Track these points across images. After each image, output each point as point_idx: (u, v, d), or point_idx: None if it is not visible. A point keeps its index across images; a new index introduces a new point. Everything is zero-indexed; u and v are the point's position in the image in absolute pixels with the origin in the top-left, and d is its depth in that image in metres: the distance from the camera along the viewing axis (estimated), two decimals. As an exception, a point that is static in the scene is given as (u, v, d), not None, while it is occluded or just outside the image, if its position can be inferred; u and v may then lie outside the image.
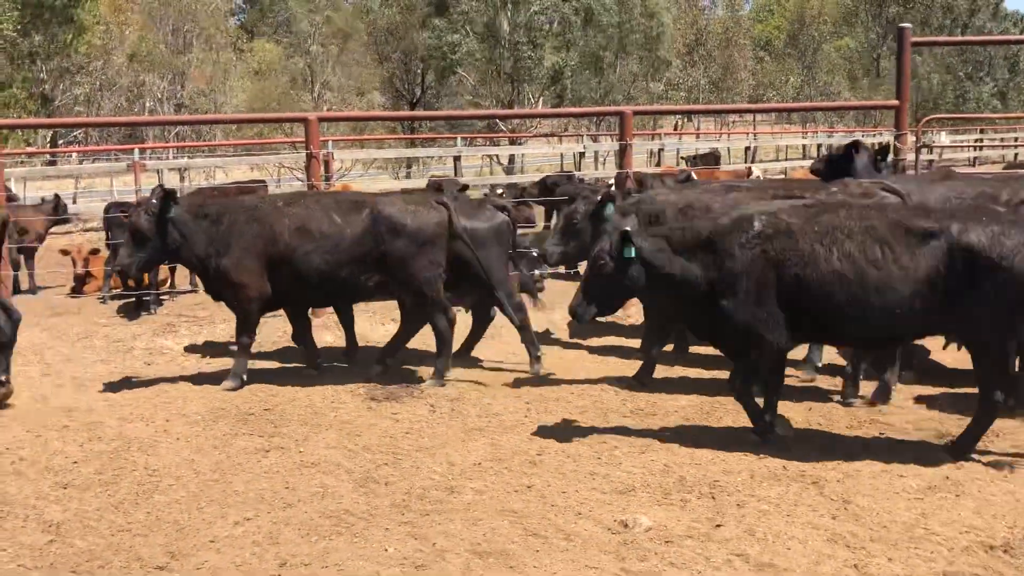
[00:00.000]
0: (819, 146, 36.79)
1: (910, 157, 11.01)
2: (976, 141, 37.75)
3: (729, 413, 7.08)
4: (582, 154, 30.76)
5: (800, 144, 38.29)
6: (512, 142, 33.07)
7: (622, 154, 10.39)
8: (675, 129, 49.96)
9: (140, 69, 33.51)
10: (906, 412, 7.16)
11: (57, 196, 13.53)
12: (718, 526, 5.09)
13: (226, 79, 35.15)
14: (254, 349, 8.31)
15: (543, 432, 6.79)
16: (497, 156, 33.36)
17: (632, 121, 10.37)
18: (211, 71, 34.94)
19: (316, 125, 9.87)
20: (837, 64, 56.96)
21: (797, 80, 56.26)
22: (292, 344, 8.65)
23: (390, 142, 31.00)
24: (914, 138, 11.18)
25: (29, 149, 28.17)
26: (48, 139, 31.57)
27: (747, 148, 38.80)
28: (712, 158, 29.12)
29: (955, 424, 6.77)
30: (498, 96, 37.69)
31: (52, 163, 30.75)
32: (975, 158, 35.14)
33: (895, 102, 10.81)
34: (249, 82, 37.08)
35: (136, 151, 21.39)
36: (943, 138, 34.97)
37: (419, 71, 39.12)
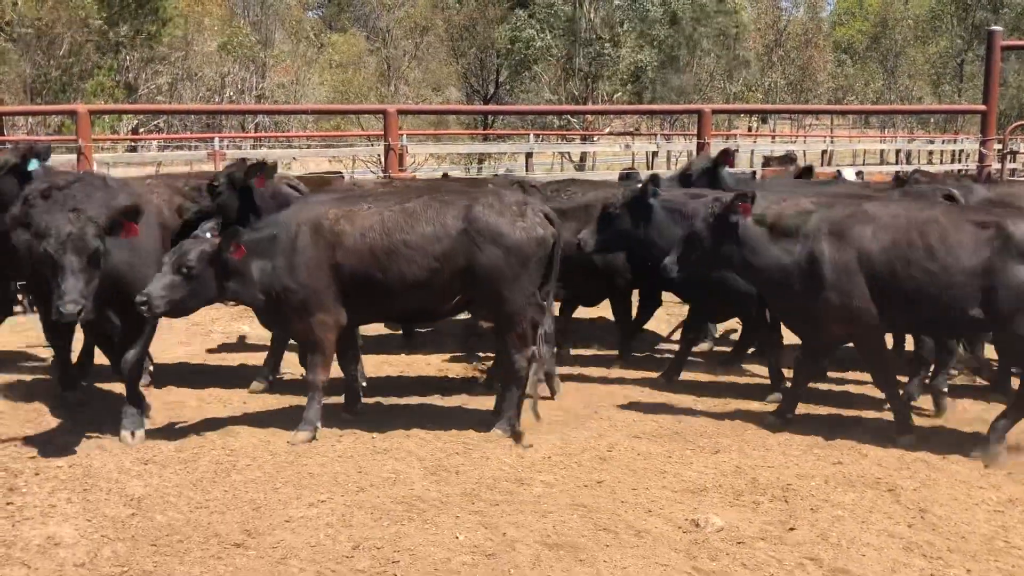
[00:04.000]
0: (898, 151, 36.17)
1: (995, 165, 10.72)
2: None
3: (799, 420, 7.00)
4: (655, 153, 30.61)
5: (878, 149, 37.53)
6: (585, 140, 33.01)
7: (699, 152, 10.31)
8: (749, 131, 49.42)
9: (223, 60, 34.20)
10: (984, 424, 6.98)
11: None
12: (791, 529, 5.04)
13: (308, 72, 35.65)
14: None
15: (613, 427, 6.79)
16: (569, 153, 33.33)
17: (711, 120, 10.27)
18: (293, 64, 35.48)
19: (395, 117, 9.98)
20: (921, 69, 55.73)
21: (878, 84, 55.20)
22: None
23: (463, 137, 31.12)
24: (1000, 145, 10.86)
25: (113, 136, 28.88)
26: (132, 127, 32.36)
27: (824, 152, 38.28)
28: (788, 160, 28.73)
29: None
30: (573, 93, 37.63)
31: (133, 150, 31.51)
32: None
33: (982, 107, 10.56)
34: (329, 76, 37.58)
35: (216, 140, 21.82)
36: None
37: (494, 67, 39.24)
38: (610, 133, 34.57)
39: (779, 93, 50.35)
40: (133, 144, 32.35)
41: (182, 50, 34.53)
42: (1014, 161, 17.12)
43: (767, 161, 30.21)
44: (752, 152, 32.01)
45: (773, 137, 45.28)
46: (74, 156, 11.07)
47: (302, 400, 6.67)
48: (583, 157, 33.59)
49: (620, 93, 37.91)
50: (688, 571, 4.55)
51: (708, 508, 5.31)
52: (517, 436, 6.48)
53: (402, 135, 23.73)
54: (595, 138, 33.32)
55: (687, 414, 7.10)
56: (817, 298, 6.44)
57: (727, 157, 8.92)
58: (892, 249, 6.27)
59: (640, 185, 7.22)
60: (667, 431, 6.75)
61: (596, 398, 7.52)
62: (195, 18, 34.87)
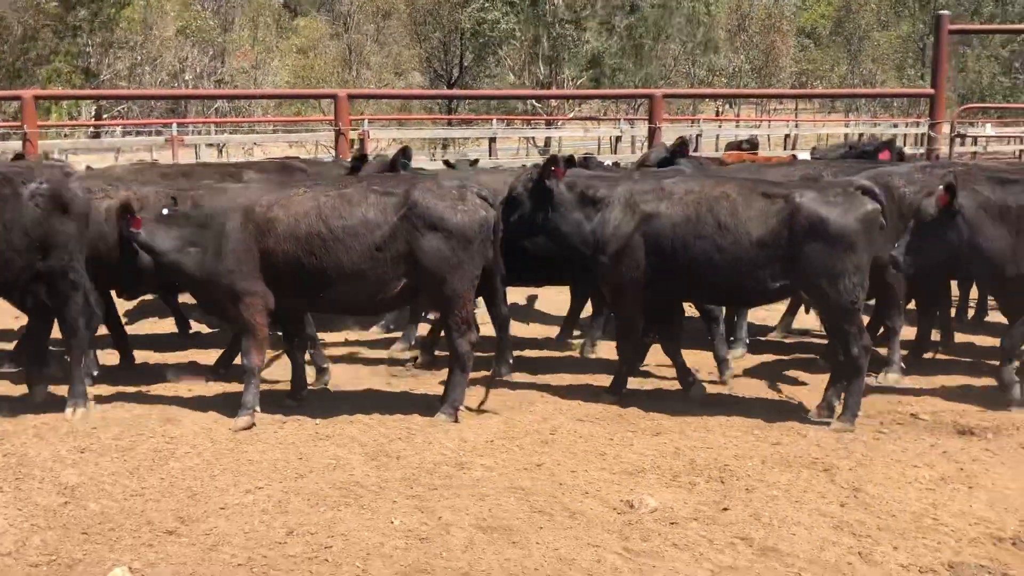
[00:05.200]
0: (860, 135, 36.46)
1: (944, 148, 10.82)
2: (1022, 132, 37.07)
3: (740, 403, 7.08)
4: (618, 138, 30.64)
5: (842, 132, 37.84)
6: (549, 125, 33.00)
7: (651, 137, 10.34)
8: (716, 115, 49.58)
9: (183, 44, 33.83)
10: (924, 402, 7.08)
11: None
12: (724, 509, 5.09)
13: (268, 57, 35.39)
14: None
15: (558, 411, 6.81)
16: (533, 138, 33.33)
17: (662, 104, 10.29)
18: (254, 49, 35.17)
19: (346, 102, 9.91)
20: (884, 53, 56.11)
21: (842, 68, 55.50)
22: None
23: (427, 122, 31.01)
24: (948, 128, 10.97)
25: (71, 122, 28.52)
26: (92, 113, 31.97)
27: (787, 136, 38.53)
28: (750, 145, 28.87)
29: (976, 418, 6.72)
30: (537, 77, 37.60)
31: (96, 136, 31.12)
32: (1021, 150, 34.43)
33: (930, 90, 10.65)
34: (291, 61, 37.31)
35: (174, 126, 21.61)
36: (988, 129, 34.39)
37: (458, 51, 39.10)
38: (574, 118, 34.61)
39: (743, 77, 50.55)
40: (96, 131, 31.99)
41: (141, 35, 34.08)
42: (963, 144, 17.33)
43: (734, 145, 30.50)
44: (717, 136, 32.37)
45: (738, 122, 45.50)
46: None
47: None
48: (547, 142, 33.61)
49: (583, 78, 37.89)
50: (619, 551, 4.58)
51: (644, 489, 5.34)
52: (460, 420, 6.49)
53: (363, 120, 23.74)
54: (559, 123, 33.36)
55: (631, 397, 7.13)
56: (598, 263, 6.83)
57: (684, 147, 8.96)
58: (683, 223, 6.55)
59: (539, 168, 7.20)
60: (611, 414, 6.78)
61: (543, 381, 7.55)
62: (155, 2, 34.48)
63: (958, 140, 12.72)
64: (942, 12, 10.60)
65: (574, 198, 6.97)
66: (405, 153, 8.82)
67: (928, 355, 8.35)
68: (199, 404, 6.80)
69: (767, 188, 6.62)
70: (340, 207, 6.30)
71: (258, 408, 6.47)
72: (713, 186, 6.72)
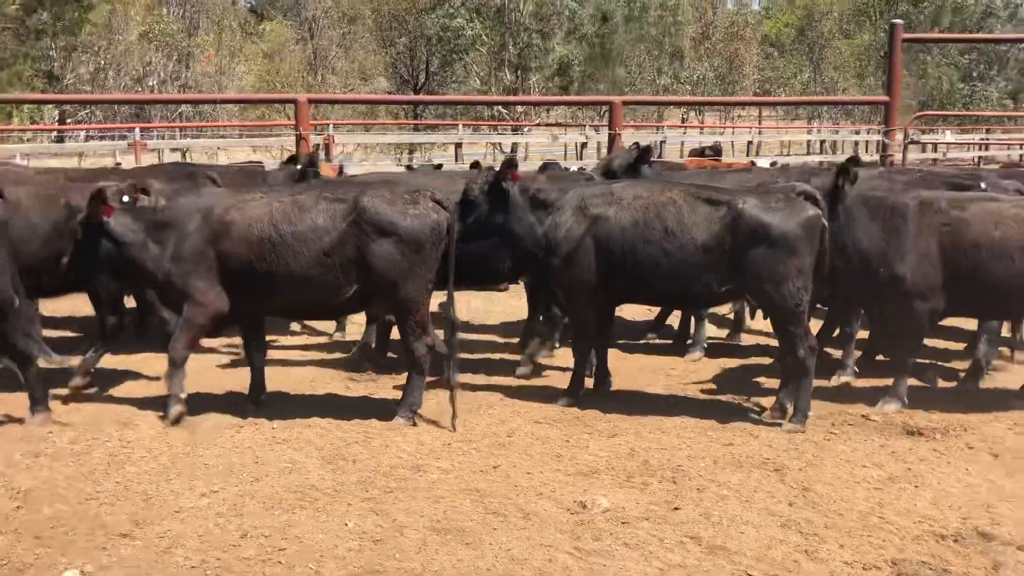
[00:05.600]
0: (822, 142, 36.88)
1: (898, 156, 11.02)
2: (982, 139, 37.69)
3: (697, 405, 7.18)
4: (584, 144, 30.80)
5: (805, 140, 38.23)
6: (516, 131, 33.07)
7: (611, 143, 10.44)
8: (682, 122, 49.89)
9: (148, 49, 33.58)
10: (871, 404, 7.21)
11: None
12: (675, 509, 5.17)
13: (233, 61, 35.21)
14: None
15: (516, 414, 6.87)
16: (500, 144, 33.42)
17: (622, 111, 10.39)
18: (219, 53, 34.97)
19: (306, 106, 9.93)
20: (846, 61, 56.76)
21: (804, 77, 56.05)
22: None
23: (392, 127, 31.01)
24: (903, 135, 11.18)
25: (34, 126, 28.22)
26: (56, 117, 31.65)
27: (749, 142, 38.92)
28: (713, 151, 29.15)
29: (925, 419, 6.86)
30: (503, 84, 37.69)
31: (60, 140, 30.80)
32: (980, 157, 35.01)
33: (885, 98, 10.84)
34: (255, 65, 37.14)
35: (137, 131, 21.42)
36: (948, 136, 34.97)
37: (424, 57, 39.12)
38: (540, 124, 34.72)
39: (708, 85, 50.94)
40: (60, 135, 31.66)
41: (106, 38, 33.79)
42: (924, 151, 17.58)
43: (698, 152, 30.83)
44: (682, 144, 32.64)
45: (701, 128, 45.82)
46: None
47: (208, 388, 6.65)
48: (514, 148, 33.71)
49: (549, 85, 38.03)
50: (570, 551, 4.64)
51: (598, 490, 5.42)
52: (417, 424, 6.53)
53: (328, 124, 23.72)
54: (526, 129, 33.44)
55: (590, 399, 7.20)
56: (552, 265, 6.92)
57: (647, 154, 9.05)
58: (631, 228, 6.69)
59: (494, 170, 7.27)
60: (569, 416, 6.85)
61: (503, 384, 7.61)
62: (120, 6, 34.17)
63: (914, 147, 12.90)
64: (896, 21, 10.81)
65: (528, 201, 7.06)
66: (311, 161, 8.85)
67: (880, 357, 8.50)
68: (156, 407, 6.78)
69: (711, 194, 6.74)
70: (291, 213, 6.33)
71: (183, 394, 6.50)
72: (660, 192, 6.84)
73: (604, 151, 32.26)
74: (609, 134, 10.40)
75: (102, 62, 33.68)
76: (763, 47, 58.77)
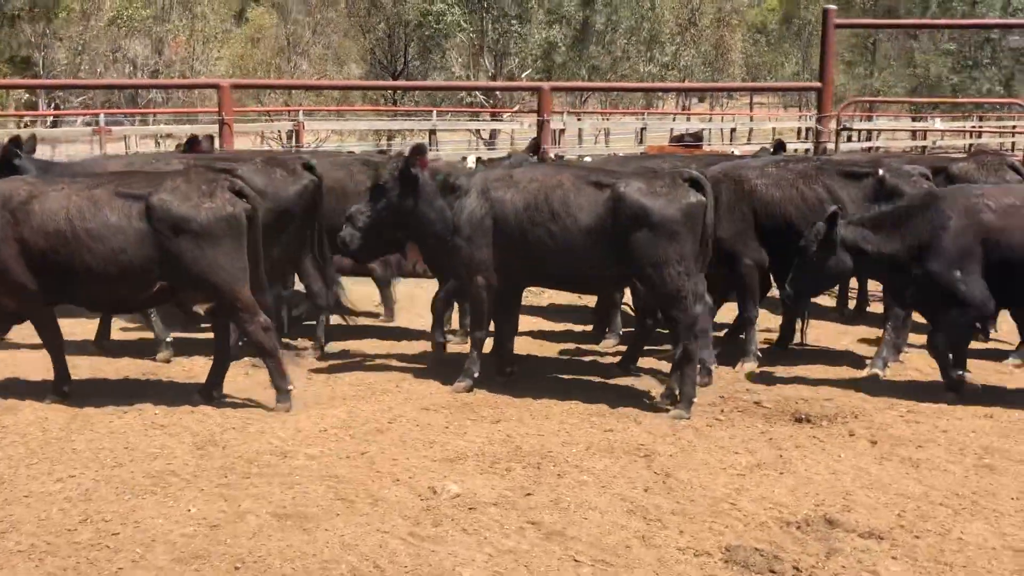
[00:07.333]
0: (807, 129, 36.72)
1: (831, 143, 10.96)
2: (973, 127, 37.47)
3: (594, 389, 7.17)
4: (562, 131, 30.71)
5: (796, 127, 38.04)
6: (493, 117, 32.96)
7: (540, 130, 10.40)
8: (683, 108, 49.91)
9: (119, 35, 33.45)
10: (773, 391, 7.20)
11: None
12: (528, 495, 5.15)
13: (207, 47, 35.11)
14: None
15: (407, 400, 6.85)
16: (479, 131, 33.32)
17: (551, 98, 10.33)
18: (190, 40, 34.84)
19: (229, 92, 9.88)
20: (835, 49, 56.31)
21: (792, 64, 55.89)
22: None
23: (361, 114, 30.89)
24: (835, 123, 11.14)
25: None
26: (23, 102, 31.56)
27: (732, 130, 38.92)
28: (693, 138, 29.12)
29: (820, 406, 6.84)
30: (486, 69, 37.51)
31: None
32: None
33: (817, 84, 10.79)
34: (229, 51, 37.00)
35: (102, 116, 21.39)
36: (938, 123, 34.88)
37: (402, 43, 38.98)
38: (519, 111, 34.60)
39: (695, 71, 50.77)
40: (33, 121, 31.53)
41: (80, 24, 33.66)
42: (863, 139, 17.51)
43: (677, 139, 30.92)
44: (671, 131, 32.56)
45: (688, 116, 45.73)
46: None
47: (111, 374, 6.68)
48: (492, 135, 33.63)
49: (529, 70, 37.88)
50: (404, 536, 4.62)
51: (458, 476, 5.40)
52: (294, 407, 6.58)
53: (298, 110, 23.64)
54: (504, 116, 33.29)
55: (488, 384, 7.17)
56: (457, 248, 6.95)
57: (539, 150, 9.06)
58: (524, 210, 6.75)
59: (401, 156, 7.26)
60: (458, 402, 6.83)
61: (408, 368, 7.61)
62: (92, -7, 34.09)
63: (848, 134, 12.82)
64: (828, 7, 10.73)
65: (437, 186, 7.08)
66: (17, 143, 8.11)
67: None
68: (41, 393, 6.76)
69: (598, 177, 6.72)
70: (86, 209, 6.27)
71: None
72: (552, 175, 6.85)
73: (587, 138, 32.37)
74: (538, 120, 10.34)
75: (78, 47, 33.57)
76: (751, 34, 58.61)
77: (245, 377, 7.44)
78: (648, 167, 7.74)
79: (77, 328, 8.20)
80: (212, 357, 6.89)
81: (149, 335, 8.10)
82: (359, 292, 9.55)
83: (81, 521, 4.77)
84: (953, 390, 6.91)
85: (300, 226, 7.67)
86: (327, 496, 5.09)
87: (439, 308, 8.17)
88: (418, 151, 7.13)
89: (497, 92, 34.97)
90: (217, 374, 6.77)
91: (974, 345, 7.65)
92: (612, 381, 7.46)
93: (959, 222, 6.69)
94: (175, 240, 6.25)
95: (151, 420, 6.32)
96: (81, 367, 7.45)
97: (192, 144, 9.57)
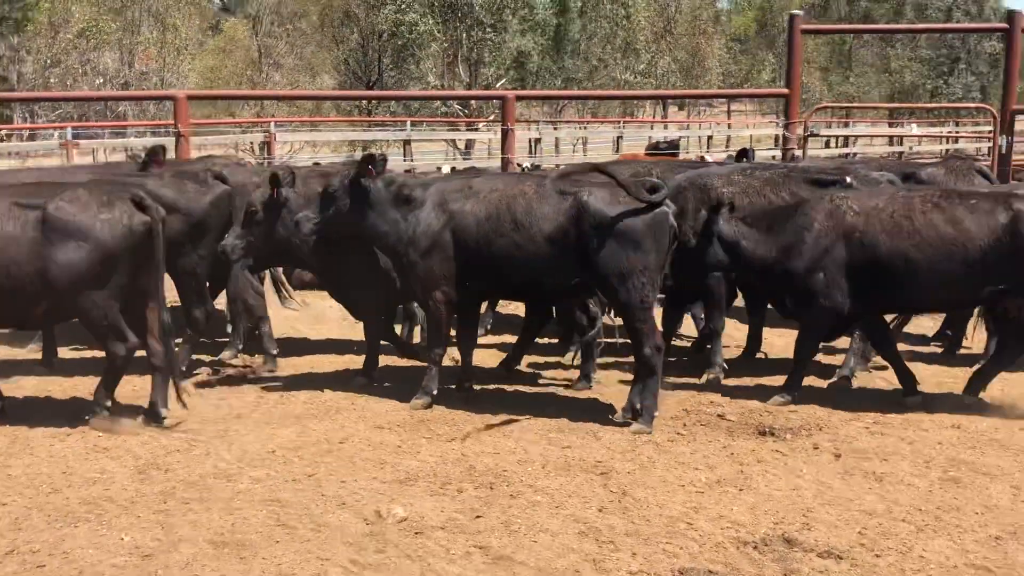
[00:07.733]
0: (709, 137, 36.74)
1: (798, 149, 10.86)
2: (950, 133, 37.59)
3: (555, 404, 7.01)
4: (538, 140, 30.61)
5: (774, 134, 38.05)
6: (469, 127, 32.83)
7: (504, 139, 10.25)
8: (661, 117, 49.94)
9: (88, 47, 33.09)
10: (737, 404, 7.05)
11: None
12: (478, 517, 4.97)
13: (179, 59, 34.79)
14: None
15: (361, 419, 6.67)
16: (455, 141, 33.16)
17: (515, 106, 10.20)
18: (161, 52, 34.53)
19: (185, 103, 9.69)
20: (810, 56, 56.65)
21: (769, 71, 56.04)
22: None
23: (334, 125, 30.70)
24: (802, 129, 11.04)
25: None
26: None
27: (709, 138, 38.91)
28: (669, 146, 29.08)
29: (784, 418, 6.70)
30: (460, 78, 37.41)
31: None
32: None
33: (784, 90, 10.69)
34: (200, 63, 36.69)
35: (69, 130, 21.09)
36: (915, 129, 35.01)
37: (376, 52, 38.81)
38: (494, 120, 34.45)
39: (671, 78, 50.77)
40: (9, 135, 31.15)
41: (48, 37, 33.33)
42: (832, 146, 17.45)
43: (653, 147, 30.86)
44: (649, 138, 32.54)
45: (666, 124, 45.74)
46: None
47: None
48: (468, 145, 33.47)
49: (505, 79, 37.78)
50: (345, 564, 4.43)
51: (407, 498, 5.20)
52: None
53: (271, 122, 23.45)
54: (479, 125, 33.15)
55: (447, 400, 7.00)
56: (412, 260, 6.84)
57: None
58: (485, 221, 6.62)
59: (357, 164, 7.11)
60: (414, 420, 6.65)
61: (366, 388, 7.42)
62: (62, 3, 33.67)
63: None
64: (795, 12, 10.65)
65: (390, 197, 6.92)
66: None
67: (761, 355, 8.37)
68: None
69: (562, 186, 6.57)
70: None
71: None
72: (514, 184, 6.71)
73: (564, 148, 32.29)
74: (502, 129, 10.19)
75: (46, 61, 33.22)
76: (727, 42, 58.71)
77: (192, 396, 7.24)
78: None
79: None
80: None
81: (100, 353, 7.87)
82: (318, 308, 9.41)
83: (7, 552, 4.55)
84: (794, 391, 7.01)
85: (216, 238, 7.44)
86: (268, 522, 4.90)
87: None
88: (368, 160, 6.99)
89: (472, 102, 34.85)
90: (159, 393, 6.54)
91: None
92: (574, 394, 7.30)
93: (822, 224, 6.71)
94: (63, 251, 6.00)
95: (94, 443, 6.10)
96: (26, 387, 7.25)
97: (153, 156, 9.27)
